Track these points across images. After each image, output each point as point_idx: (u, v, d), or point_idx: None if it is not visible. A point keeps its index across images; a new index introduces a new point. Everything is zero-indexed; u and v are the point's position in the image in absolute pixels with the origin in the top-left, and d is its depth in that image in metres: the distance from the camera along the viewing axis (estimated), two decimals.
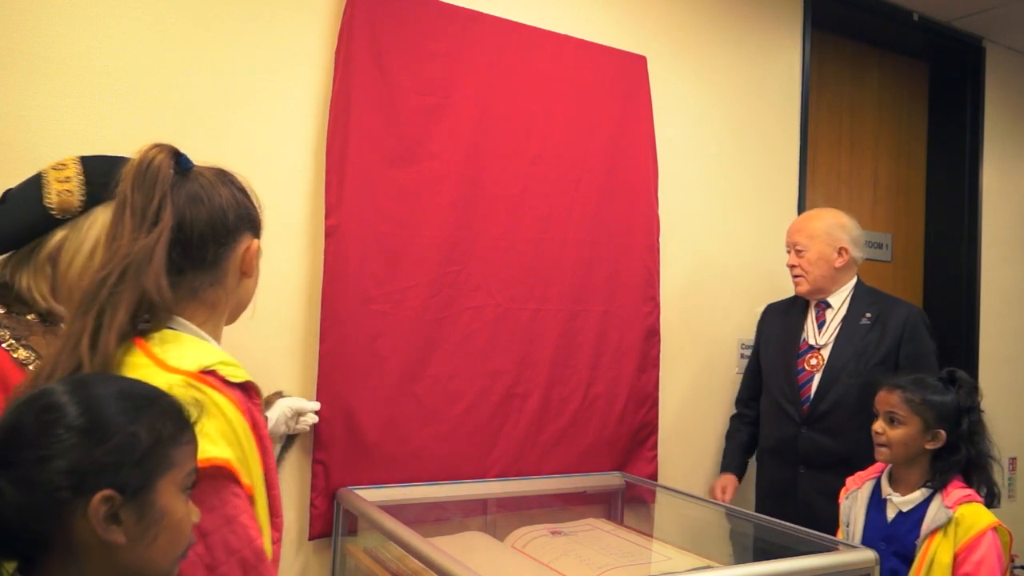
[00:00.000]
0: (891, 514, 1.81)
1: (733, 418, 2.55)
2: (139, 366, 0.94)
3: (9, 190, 1.33)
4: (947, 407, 1.77)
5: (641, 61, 2.42)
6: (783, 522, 1.93)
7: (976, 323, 3.41)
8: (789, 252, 2.37)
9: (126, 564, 0.82)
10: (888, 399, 1.82)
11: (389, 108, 2.00)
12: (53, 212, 1.32)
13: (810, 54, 2.90)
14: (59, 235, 1.34)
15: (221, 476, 0.92)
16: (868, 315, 2.26)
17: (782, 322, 2.45)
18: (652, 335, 2.40)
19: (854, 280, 2.34)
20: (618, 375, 2.31)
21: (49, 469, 0.78)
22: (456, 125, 2.09)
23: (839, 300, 2.32)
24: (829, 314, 2.33)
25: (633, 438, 2.35)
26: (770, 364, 2.42)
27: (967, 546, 1.67)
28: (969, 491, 1.74)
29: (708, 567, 1.74)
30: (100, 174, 1.35)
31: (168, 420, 0.86)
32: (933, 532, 1.71)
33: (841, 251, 2.28)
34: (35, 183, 1.33)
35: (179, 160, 1.03)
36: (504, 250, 2.15)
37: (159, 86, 1.80)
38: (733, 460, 2.46)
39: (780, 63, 2.85)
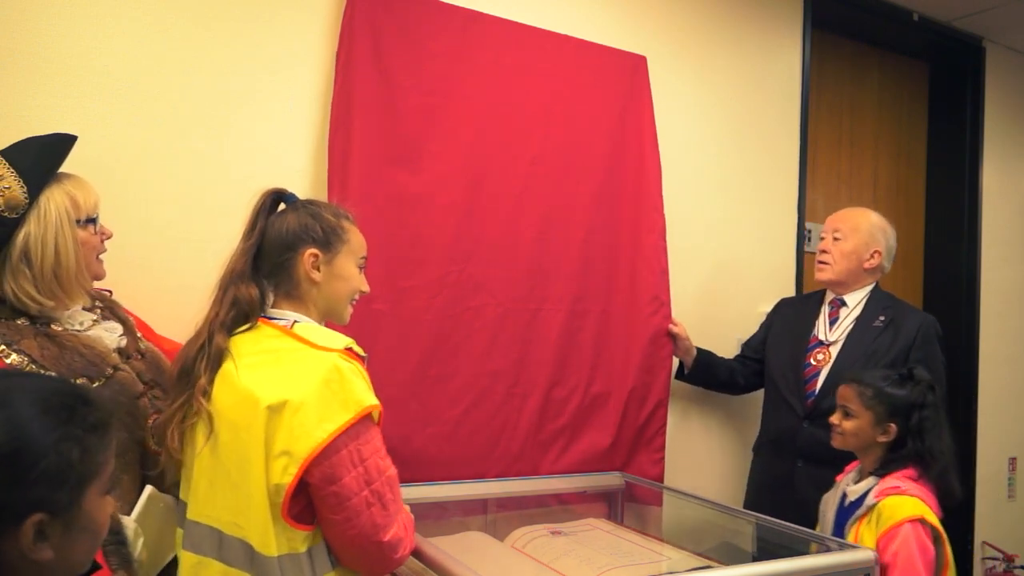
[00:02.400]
0: (846, 502, 1.87)
1: None
2: (296, 349, 1.31)
3: None
4: (899, 402, 1.81)
5: (641, 61, 2.42)
6: (784, 522, 1.93)
7: (976, 323, 3.41)
8: (823, 237, 2.36)
9: (50, 570, 0.84)
10: (844, 392, 1.89)
11: (390, 108, 1.99)
12: (5, 213, 1.32)
13: (810, 54, 2.90)
14: (21, 234, 1.34)
15: (371, 419, 1.30)
16: (882, 318, 2.26)
17: (794, 315, 2.45)
18: (660, 335, 2.35)
19: (873, 285, 2.34)
20: (620, 375, 2.30)
21: None
22: (457, 125, 2.08)
23: (855, 300, 2.32)
24: (843, 312, 2.33)
25: (637, 439, 2.33)
26: (777, 355, 2.41)
27: (884, 536, 1.69)
28: (898, 484, 1.75)
29: (708, 567, 1.74)
30: (27, 160, 1.37)
31: (93, 426, 0.87)
32: (858, 520, 1.76)
33: (874, 254, 2.30)
34: None
35: (284, 197, 1.45)
36: (505, 250, 2.15)
37: (159, 86, 1.80)
38: (704, 352, 2.45)
39: (780, 63, 2.84)
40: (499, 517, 2.14)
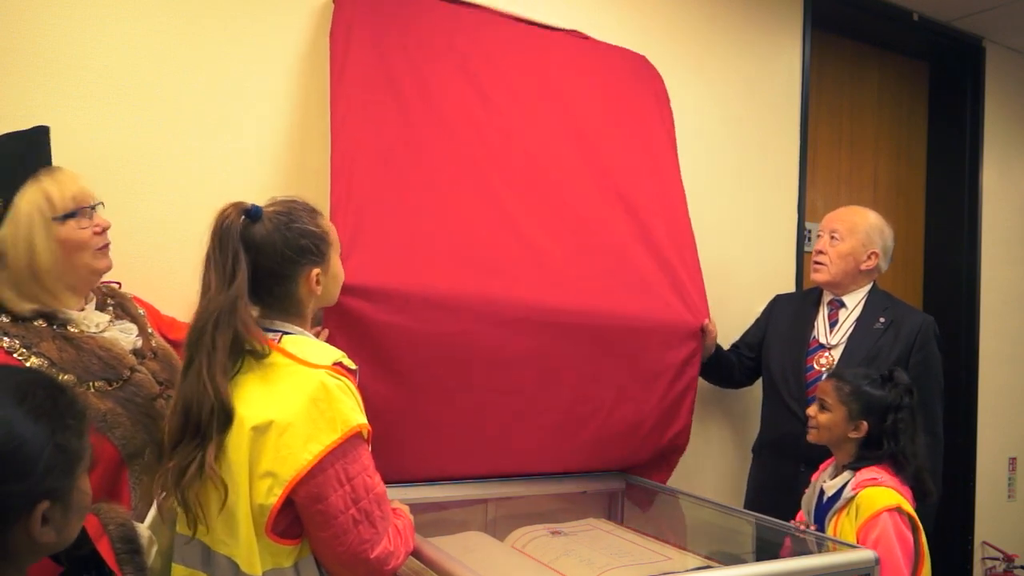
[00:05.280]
0: (824, 498, 1.90)
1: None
2: (283, 365, 1.26)
3: None
4: (875, 401, 1.85)
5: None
6: (784, 522, 1.93)
7: (976, 323, 3.41)
8: (820, 236, 2.33)
9: (49, 548, 0.92)
10: (824, 387, 1.93)
11: (391, 108, 1.97)
12: None
13: (810, 54, 2.90)
14: None
15: (360, 437, 1.26)
16: (882, 319, 2.24)
17: (792, 315, 2.41)
18: (690, 355, 2.15)
19: (871, 285, 2.33)
20: (645, 398, 2.13)
21: None
22: (460, 125, 2.04)
23: (854, 301, 2.30)
24: (842, 314, 2.31)
25: (656, 457, 2.27)
26: (777, 359, 2.37)
27: (863, 527, 1.73)
28: (875, 476, 1.79)
29: (708, 567, 1.74)
30: (2, 162, 1.35)
31: (77, 411, 0.94)
32: (837, 513, 1.80)
33: (871, 255, 2.29)
34: None
35: (249, 212, 1.30)
36: (508, 251, 2.09)
37: (159, 86, 1.80)
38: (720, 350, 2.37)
39: (780, 63, 2.85)
40: (499, 517, 2.14)
